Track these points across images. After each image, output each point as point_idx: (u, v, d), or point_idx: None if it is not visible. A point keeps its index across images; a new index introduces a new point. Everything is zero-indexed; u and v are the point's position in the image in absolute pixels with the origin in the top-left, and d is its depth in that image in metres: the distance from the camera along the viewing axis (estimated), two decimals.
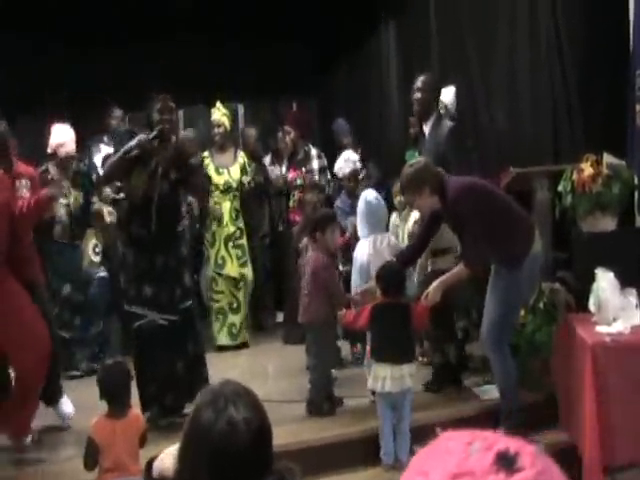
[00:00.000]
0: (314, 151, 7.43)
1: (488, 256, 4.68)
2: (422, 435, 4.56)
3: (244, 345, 7.21)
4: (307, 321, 5.25)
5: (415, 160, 5.03)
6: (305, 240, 5.83)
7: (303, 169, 7.31)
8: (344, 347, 6.35)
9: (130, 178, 5.02)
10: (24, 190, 5.18)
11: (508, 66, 6.47)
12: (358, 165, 6.76)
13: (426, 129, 5.68)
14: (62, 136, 6.21)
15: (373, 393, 5.03)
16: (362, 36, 8.96)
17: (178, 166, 5.07)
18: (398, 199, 6.13)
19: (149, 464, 2.07)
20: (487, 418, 4.76)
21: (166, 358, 5.01)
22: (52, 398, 5.14)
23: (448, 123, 5.56)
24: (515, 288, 4.62)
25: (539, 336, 5.07)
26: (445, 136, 5.44)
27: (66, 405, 5.20)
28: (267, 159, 8.00)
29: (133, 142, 4.97)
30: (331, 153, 7.53)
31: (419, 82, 5.62)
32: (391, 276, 4.80)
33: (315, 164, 7.31)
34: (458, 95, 6.51)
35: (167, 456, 2.03)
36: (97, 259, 6.63)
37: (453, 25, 7.21)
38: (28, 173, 5.34)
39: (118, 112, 7.61)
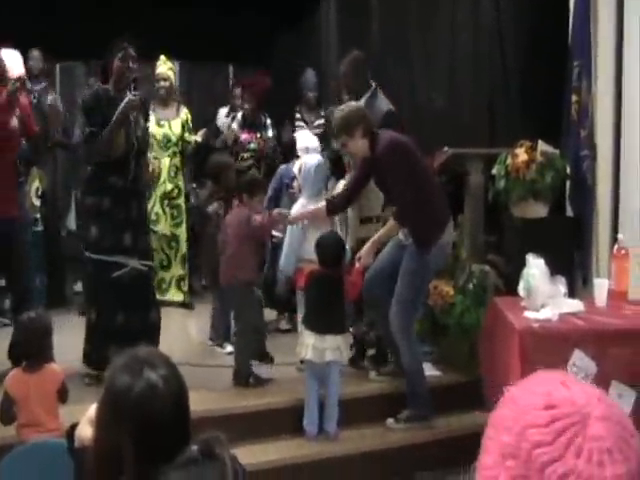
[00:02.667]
0: (269, 120, 7.34)
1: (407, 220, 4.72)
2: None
3: (186, 305, 7.14)
4: (229, 283, 5.13)
5: (348, 104, 5.05)
6: (216, 205, 5.74)
7: (258, 134, 7.21)
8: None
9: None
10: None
11: (449, 47, 6.50)
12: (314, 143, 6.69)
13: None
14: (13, 59, 5.94)
15: (302, 362, 5.09)
16: (305, 7, 8.87)
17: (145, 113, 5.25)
18: None
19: (71, 431, 2.02)
20: (396, 398, 4.88)
21: (142, 308, 5.04)
22: None
23: (384, 106, 5.50)
24: (423, 273, 4.71)
25: (468, 317, 5.16)
26: (380, 119, 5.44)
27: None
28: (223, 111, 7.81)
29: (124, 105, 4.90)
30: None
31: (343, 64, 5.59)
32: (329, 247, 4.81)
33: (270, 132, 7.25)
34: (398, 73, 6.53)
35: (85, 422, 1.99)
36: (38, 203, 6.46)
37: (395, 3, 7.20)
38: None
39: (37, 53, 7.13)
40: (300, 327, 5.08)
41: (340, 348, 4.70)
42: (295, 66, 8.72)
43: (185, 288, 7.21)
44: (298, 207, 5.49)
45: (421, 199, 4.61)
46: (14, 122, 5.14)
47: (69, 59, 8.83)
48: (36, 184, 6.43)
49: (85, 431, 1.94)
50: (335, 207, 5.02)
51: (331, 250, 4.78)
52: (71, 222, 7.32)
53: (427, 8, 6.74)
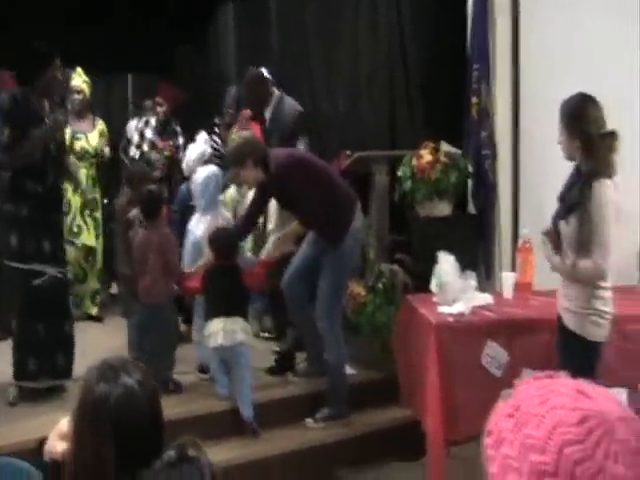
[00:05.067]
0: (179, 128, 7.33)
1: (312, 224, 4.90)
2: (238, 420, 4.72)
3: (98, 318, 7.03)
4: (153, 301, 5.10)
5: (240, 134, 5.26)
6: (135, 212, 5.69)
7: (170, 142, 7.18)
8: None
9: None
10: None
11: (350, 53, 6.61)
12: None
13: (267, 114, 5.76)
14: None
15: (201, 371, 5.29)
16: (205, 19, 8.85)
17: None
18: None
19: (39, 446, 2.01)
20: (313, 398, 4.97)
21: (61, 316, 5.00)
22: None
23: (290, 105, 5.63)
24: (340, 266, 4.80)
25: (379, 316, 5.28)
26: (287, 124, 5.54)
27: None
28: (132, 124, 7.71)
29: (52, 126, 4.88)
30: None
31: (244, 86, 5.72)
32: (223, 239, 4.96)
33: (181, 140, 7.22)
34: (299, 81, 6.60)
35: (54, 438, 1.97)
36: None
37: (295, 11, 7.27)
38: None
39: None
40: (197, 332, 5.22)
41: (247, 328, 4.88)
42: (197, 77, 8.70)
43: (98, 302, 7.13)
44: (194, 222, 5.53)
45: (322, 204, 4.72)
46: None
47: None
48: None
49: (55, 446, 1.94)
50: (240, 233, 5.12)
51: (224, 242, 4.94)
52: None
53: (327, 14, 6.84)
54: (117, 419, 1.73)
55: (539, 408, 1.10)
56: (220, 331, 4.77)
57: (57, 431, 1.96)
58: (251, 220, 5.13)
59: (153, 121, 7.22)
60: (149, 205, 5.16)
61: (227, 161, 5.16)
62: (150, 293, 5.07)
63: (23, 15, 7.60)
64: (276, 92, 5.70)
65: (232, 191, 6.28)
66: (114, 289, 7.57)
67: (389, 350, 4.88)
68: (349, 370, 5.17)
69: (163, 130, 7.20)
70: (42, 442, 2.00)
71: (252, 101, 5.81)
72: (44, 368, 4.94)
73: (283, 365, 5.45)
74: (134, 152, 7.20)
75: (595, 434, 1.05)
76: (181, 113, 7.42)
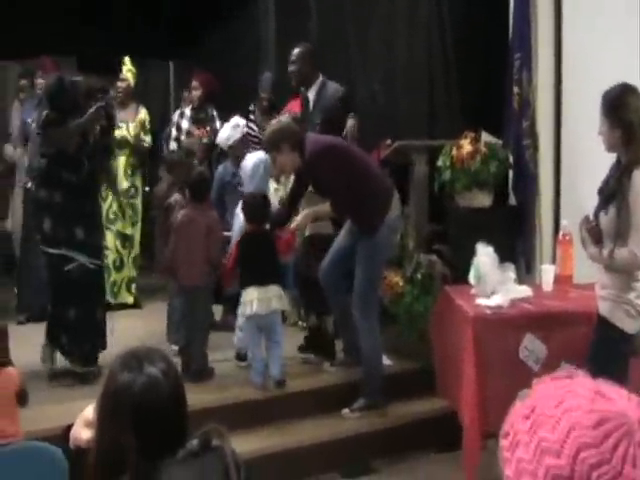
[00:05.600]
0: (215, 112, 7.33)
1: (346, 212, 4.90)
2: (272, 408, 4.77)
3: (136, 306, 7.12)
4: (191, 284, 5.14)
5: (278, 119, 5.23)
6: (177, 196, 5.72)
7: (208, 128, 7.20)
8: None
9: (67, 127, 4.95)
10: None
11: (388, 41, 6.57)
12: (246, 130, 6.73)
13: (310, 95, 5.74)
14: None
15: (239, 359, 5.31)
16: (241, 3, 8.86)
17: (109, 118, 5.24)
18: None
19: (65, 432, 2.02)
20: (349, 387, 4.96)
21: (90, 304, 5.05)
22: None
23: (334, 87, 5.61)
24: (375, 256, 4.79)
25: (416, 306, 5.26)
26: (333, 103, 5.52)
27: None
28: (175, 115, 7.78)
29: (87, 119, 4.93)
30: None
31: (293, 55, 5.67)
32: (255, 206, 5.06)
33: (218, 124, 7.23)
34: (337, 69, 6.57)
35: (80, 425, 1.98)
36: None
37: None
38: None
39: None
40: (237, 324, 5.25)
41: (282, 296, 4.97)
42: (230, 62, 8.71)
43: (134, 290, 7.19)
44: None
45: (356, 193, 4.72)
46: None
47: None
48: None
49: (81, 432, 1.94)
50: (280, 222, 5.14)
51: (257, 208, 5.04)
52: (16, 225, 7.10)
53: (364, 2, 6.80)
54: (139, 408, 1.73)
55: (555, 410, 1.07)
56: (255, 299, 4.83)
57: (82, 418, 1.96)
58: (291, 206, 5.15)
59: (188, 111, 7.24)
60: (198, 187, 5.21)
61: (264, 144, 5.20)
62: (190, 275, 5.09)
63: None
64: (320, 75, 5.71)
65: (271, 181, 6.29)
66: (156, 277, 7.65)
67: (426, 340, 4.86)
68: (385, 360, 5.16)
69: (198, 117, 7.22)
70: (68, 428, 2.01)
71: (299, 76, 5.71)
72: (73, 353, 5.03)
73: (312, 342, 5.47)
74: (173, 145, 7.23)
75: (613, 437, 1.02)
76: (217, 99, 7.41)
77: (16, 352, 4.51)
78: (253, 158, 5.86)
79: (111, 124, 5.40)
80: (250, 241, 5.02)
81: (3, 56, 8.13)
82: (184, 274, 5.14)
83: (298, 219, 5.01)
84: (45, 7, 7.73)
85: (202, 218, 5.10)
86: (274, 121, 5.16)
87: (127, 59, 7.12)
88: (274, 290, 4.91)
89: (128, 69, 7.10)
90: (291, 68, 5.66)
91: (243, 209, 5.12)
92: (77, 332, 5.00)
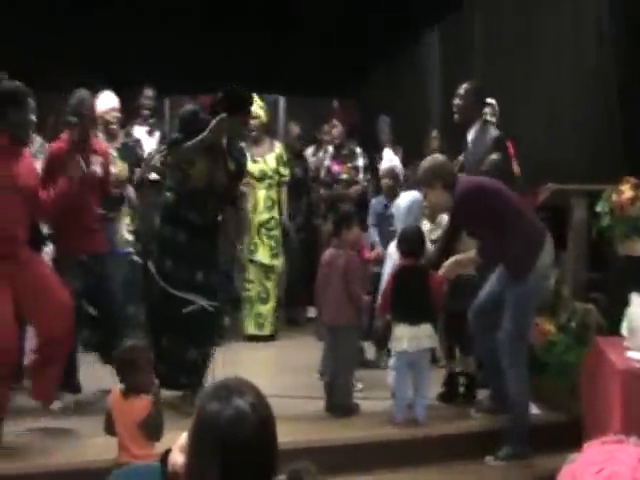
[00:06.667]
0: (358, 149, 7.44)
1: (496, 255, 4.79)
2: (414, 450, 4.68)
3: (272, 337, 7.29)
4: (332, 321, 5.23)
5: (432, 156, 5.24)
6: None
7: (348, 164, 7.33)
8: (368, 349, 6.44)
9: (195, 164, 5.11)
10: (97, 167, 5.26)
11: (550, 81, 6.46)
12: (398, 164, 6.82)
13: (469, 136, 5.73)
14: (110, 102, 6.15)
15: (393, 396, 5.20)
16: (403, 40, 8.98)
17: (236, 157, 5.30)
18: None
19: (165, 456, 2.09)
20: (493, 435, 4.83)
21: (206, 343, 5.17)
22: None
23: (493, 132, 5.57)
24: (523, 304, 4.68)
25: (569, 356, 5.08)
26: (490, 145, 5.47)
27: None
28: (310, 150, 8.02)
29: (210, 130, 5.00)
30: (369, 153, 7.61)
31: (461, 89, 5.66)
32: (412, 238, 5.09)
33: (360, 162, 7.33)
34: (500, 109, 6.52)
35: (176, 450, 2.04)
36: (130, 238, 6.52)
37: (497, 36, 7.22)
38: (101, 150, 5.41)
39: (150, 92, 7.34)
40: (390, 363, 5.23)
41: (433, 335, 4.95)
42: (390, 98, 8.83)
43: (273, 321, 7.36)
44: (393, 247, 5.58)
45: (506, 236, 4.63)
46: (96, 166, 5.22)
47: (178, 93, 9.17)
48: (126, 220, 6.46)
49: (176, 458, 1.99)
50: (433, 264, 5.09)
51: (414, 241, 5.06)
52: None
53: (529, 44, 6.73)
54: (224, 440, 1.72)
55: (595, 476, 1.04)
56: (405, 337, 4.84)
57: (179, 443, 2.00)
58: (445, 248, 5.11)
59: (330, 148, 7.38)
60: (337, 223, 5.29)
61: (417, 180, 5.21)
62: (331, 315, 5.17)
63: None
64: (482, 116, 5.68)
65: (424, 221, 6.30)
66: (312, 312, 7.79)
67: (577, 392, 4.69)
68: (534, 409, 5.01)
69: (339, 153, 7.33)
70: (167, 453, 2.06)
71: (463, 113, 5.67)
72: (189, 384, 5.13)
73: (451, 390, 5.44)
74: (315, 184, 7.39)
75: None
76: (365, 132, 7.53)
77: None
78: (408, 197, 5.88)
79: (241, 168, 5.44)
80: (404, 275, 5.02)
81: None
82: (325, 313, 5.25)
83: (445, 267, 4.92)
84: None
85: (340, 258, 5.17)
86: (429, 157, 5.17)
87: (256, 96, 7.29)
88: (425, 329, 4.91)
89: (260, 106, 7.27)
90: (455, 102, 5.68)
91: (399, 242, 5.15)
92: (198, 370, 5.13)
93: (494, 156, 5.45)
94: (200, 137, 5.01)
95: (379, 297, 5.62)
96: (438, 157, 5.11)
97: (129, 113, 6.99)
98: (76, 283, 5.03)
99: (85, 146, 5.08)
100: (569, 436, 4.70)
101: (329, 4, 8.53)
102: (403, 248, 5.11)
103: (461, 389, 5.49)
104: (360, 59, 9.52)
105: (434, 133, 7.28)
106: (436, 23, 8.47)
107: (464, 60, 7.69)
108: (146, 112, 7.25)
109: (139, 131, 7.12)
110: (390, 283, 5.09)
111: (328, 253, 5.28)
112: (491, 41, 7.35)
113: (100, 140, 5.65)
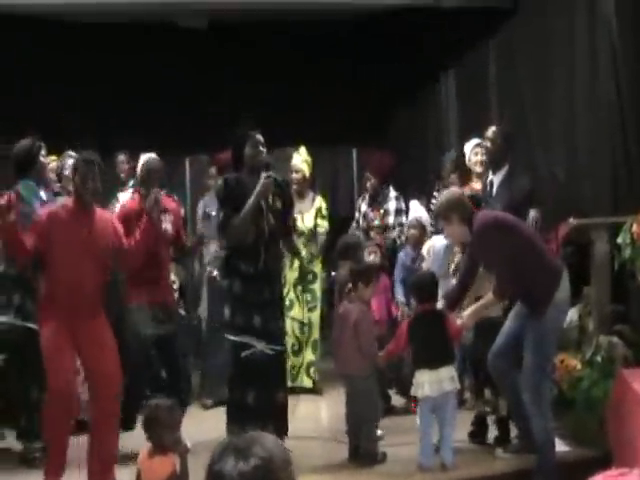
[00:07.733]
0: (393, 192, 7.37)
1: (513, 290, 4.78)
2: None
3: (309, 390, 7.19)
4: (345, 372, 5.29)
5: (449, 190, 5.26)
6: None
7: (381, 210, 7.30)
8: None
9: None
10: (168, 224, 5.54)
11: (568, 118, 6.46)
12: (424, 215, 6.74)
13: (495, 180, 5.74)
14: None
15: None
16: (421, 83, 9.05)
17: (284, 201, 5.39)
18: None
19: None
20: (522, 475, 4.76)
21: (269, 389, 5.17)
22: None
23: (523, 181, 5.61)
24: (543, 340, 4.65)
25: (595, 391, 5.00)
26: (519, 199, 5.51)
27: None
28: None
29: (259, 189, 5.12)
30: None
31: (490, 132, 5.71)
32: (425, 284, 5.07)
33: (391, 205, 7.25)
34: (518, 149, 6.52)
35: None
36: (175, 295, 6.54)
37: (511, 76, 7.26)
38: (171, 207, 5.69)
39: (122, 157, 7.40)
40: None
41: (454, 377, 4.89)
42: (414, 142, 8.86)
43: (313, 374, 7.26)
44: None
45: (522, 271, 4.62)
46: (166, 224, 5.52)
47: (196, 153, 9.27)
48: (172, 278, 6.49)
49: None
50: (452, 303, 5.07)
51: (428, 286, 5.04)
52: (203, 311, 7.35)
53: (543, 82, 6.75)
54: None
55: None
56: (426, 382, 4.82)
57: None
58: (464, 286, 5.05)
59: (367, 195, 7.43)
60: (356, 276, 5.27)
61: (434, 214, 5.30)
62: (345, 365, 5.21)
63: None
64: (509, 161, 5.70)
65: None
66: None
67: (605, 426, 4.60)
68: (562, 446, 4.93)
69: (374, 201, 7.34)
70: None
71: (490, 156, 5.79)
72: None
73: (480, 430, 5.38)
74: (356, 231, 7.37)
75: None
76: (397, 178, 7.54)
77: (198, 436, 4.79)
78: (441, 241, 5.84)
79: (288, 203, 5.51)
80: (420, 321, 5.01)
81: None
82: (339, 363, 5.30)
83: (465, 316, 4.91)
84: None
85: (352, 311, 5.18)
86: (446, 191, 5.18)
87: (303, 149, 7.35)
88: (445, 372, 4.86)
89: (304, 159, 7.31)
90: (486, 145, 5.72)
91: (412, 289, 5.13)
92: (258, 415, 5.06)
93: (533, 213, 5.59)
94: (248, 207, 5.12)
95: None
96: (455, 191, 5.12)
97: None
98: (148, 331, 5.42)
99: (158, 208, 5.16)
100: (600, 471, 4.63)
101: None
102: (418, 294, 5.10)
103: (494, 432, 5.39)
104: (377, 106, 9.55)
105: (450, 157, 7.20)
106: (451, 64, 8.52)
107: (480, 101, 7.73)
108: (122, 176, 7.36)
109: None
110: (405, 330, 5.05)
111: (342, 307, 5.32)
112: (505, 78, 7.39)
113: (171, 199, 5.93)
